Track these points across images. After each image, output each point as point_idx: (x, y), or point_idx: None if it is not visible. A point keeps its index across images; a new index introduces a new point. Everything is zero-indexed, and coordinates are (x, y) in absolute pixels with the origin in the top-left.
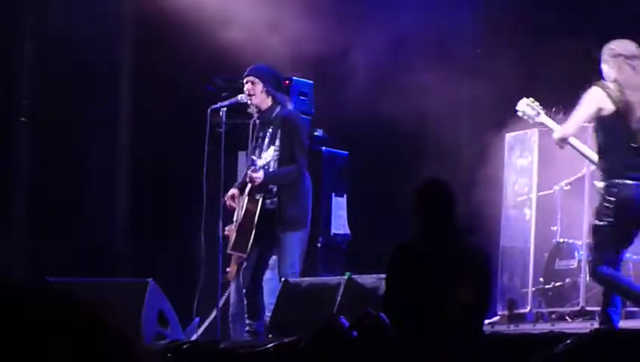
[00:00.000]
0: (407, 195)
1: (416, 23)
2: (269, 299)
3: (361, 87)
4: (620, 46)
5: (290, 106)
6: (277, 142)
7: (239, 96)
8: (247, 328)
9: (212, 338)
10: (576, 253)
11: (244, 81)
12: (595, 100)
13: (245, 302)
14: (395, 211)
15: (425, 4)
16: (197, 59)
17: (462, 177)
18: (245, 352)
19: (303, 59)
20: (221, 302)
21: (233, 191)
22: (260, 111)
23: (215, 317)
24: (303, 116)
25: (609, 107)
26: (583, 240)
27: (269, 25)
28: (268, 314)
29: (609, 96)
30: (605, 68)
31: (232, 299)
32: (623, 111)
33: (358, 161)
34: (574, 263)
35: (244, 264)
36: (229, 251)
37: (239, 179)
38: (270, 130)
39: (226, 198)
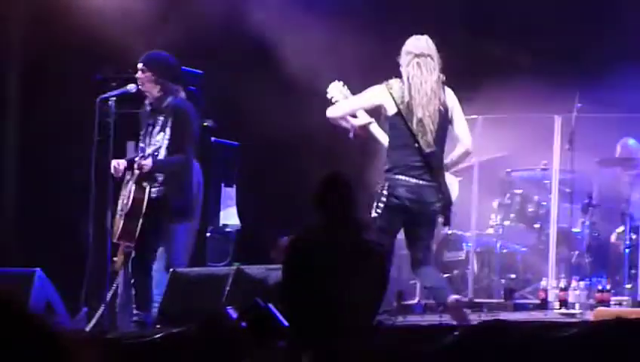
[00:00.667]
0: (298, 186)
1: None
2: (156, 290)
3: (252, 77)
4: (411, 43)
5: (182, 96)
6: (167, 131)
7: (128, 86)
8: (134, 318)
9: (100, 328)
10: (464, 245)
11: (138, 68)
12: (373, 97)
13: (133, 292)
14: (285, 202)
15: None
16: (87, 50)
17: (353, 170)
18: (132, 342)
19: (194, 49)
20: (109, 293)
21: (122, 162)
22: (151, 99)
23: (104, 308)
24: (193, 106)
25: (391, 107)
26: (471, 232)
27: (161, 15)
28: (156, 305)
29: (392, 96)
30: (401, 66)
31: (119, 289)
32: (404, 112)
33: (249, 151)
34: (462, 255)
35: (132, 253)
36: (115, 240)
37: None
38: (161, 118)
39: (113, 164)
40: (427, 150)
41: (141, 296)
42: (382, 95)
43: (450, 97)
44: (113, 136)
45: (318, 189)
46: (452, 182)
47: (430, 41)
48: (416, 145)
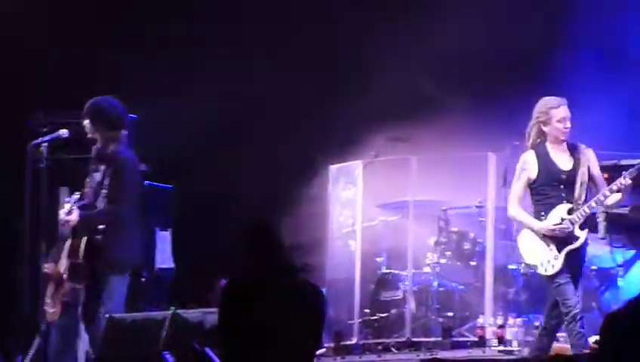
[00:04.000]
0: (232, 229)
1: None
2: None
3: (186, 121)
4: None
5: (121, 144)
6: (106, 181)
7: (60, 131)
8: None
9: None
10: (401, 284)
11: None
12: None
13: (74, 337)
14: (220, 245)
15: None
16: (19, 93)
17: (287, 210)
18: None
19: (127, 94)
20: (37, 343)
21: (51, 266)
22: (96, 146)
23: (37, 356)
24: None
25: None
26: (408, 271)
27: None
28: (88, 349)
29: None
30: None
31: (54, 337)
32: None
33: (184, 195)
34: (400, 294)
35: (78, 302)
36: (51, 291)
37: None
38: (102, 167)
39: (46, 269)
40: None
41: (93, 338)
42: None
43: None
44: (47, 181)
45: (244, 238)
46: None
47: None
48: None
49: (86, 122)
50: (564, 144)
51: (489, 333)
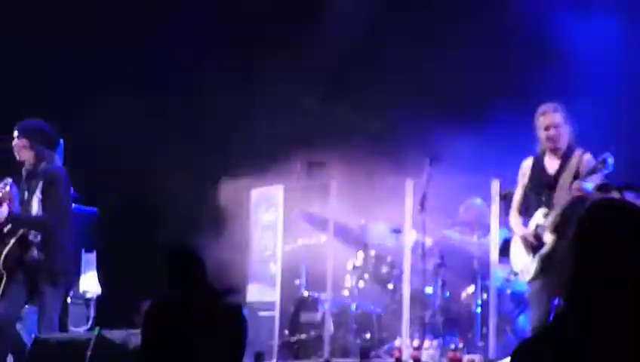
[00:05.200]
0: (157, 251)
1: None
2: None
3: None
4: None
5: (56, 162)
6: (38, 195)
7: None
8: None
9: None
10: (320, 306)
11: (14, 136)
12: None
13: None
14: (145, 265)
15: None
16: None
17: (207, 233)
18: None
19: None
20: None
21: None
22: (27, 166)
23: None
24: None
25: None
26: (326, 294)
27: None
28: None
29: None
30: None
31: None
32: None
33: (107, 217)
34: (319, 316)
35: None
36: None
37: None
38: (34, 182)
39: None
40: None
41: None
42: None
43: None
44: None
45: (165, 262)
46: None
47: None
48: None
49: (21, 141)
50: (561, 150)
51: (405, 355)
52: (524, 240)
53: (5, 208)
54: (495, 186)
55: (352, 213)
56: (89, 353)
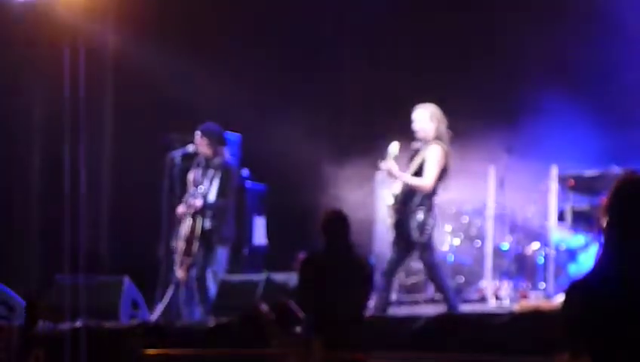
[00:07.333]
0: (309, 217)
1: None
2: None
3: (279, 137)
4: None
5: (227, 157)
6: (215, 182)
7: (188, 147)
8: (198, 309)
9: (169, 318)
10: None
11: (196, 135)
12: None
13: (197, 291)
14: (300, 227)
15: None
16: (159, 115)
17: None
18: (194, 329)
19: (232, 118)
20: (170, 293)
21: (181, 208)
22: (205, 158)
23: (170, 303)
24: (234, 162)
25: None
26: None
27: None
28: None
29: None
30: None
31: (182, 291)
32: None
33: (273, 190)
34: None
35: (194, 265)
36: (179, 257)
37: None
38: (212, 172)
39: (178, 211)
40: None
41: (202, 293)
42: None
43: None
44: (178, 181)
45: (322, 222)
46: None
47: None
48: None
49: (202, 139)
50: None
51: (488, 293)
52: None
53: (200, 200)
54: (554, 170)
55: (449, 192)
56: (260, 290)
